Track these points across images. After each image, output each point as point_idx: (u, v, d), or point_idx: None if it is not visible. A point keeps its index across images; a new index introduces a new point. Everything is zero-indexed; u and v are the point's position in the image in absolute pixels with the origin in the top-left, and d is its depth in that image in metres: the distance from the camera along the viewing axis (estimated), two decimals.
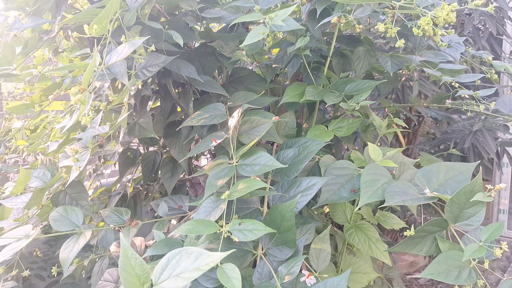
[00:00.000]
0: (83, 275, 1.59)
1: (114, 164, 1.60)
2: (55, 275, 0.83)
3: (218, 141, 0.77)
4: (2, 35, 0.83)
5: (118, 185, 1.21)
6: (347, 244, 1.08)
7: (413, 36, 0.94)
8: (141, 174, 1.25)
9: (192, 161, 1.26)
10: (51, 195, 0.92)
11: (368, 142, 0.80)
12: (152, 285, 0.47)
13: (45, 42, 1.04)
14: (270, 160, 0.70)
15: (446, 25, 0.71)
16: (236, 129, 0.79)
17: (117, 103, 0.82)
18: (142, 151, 1.24)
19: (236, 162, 0.74)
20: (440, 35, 0.63)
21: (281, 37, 0.75)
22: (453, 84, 0.90)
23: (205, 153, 1.34)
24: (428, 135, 2.31)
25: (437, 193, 0.65)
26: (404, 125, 0.91)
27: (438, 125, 2.04)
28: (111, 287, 0.80)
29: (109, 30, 0.68)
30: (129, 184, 1.18)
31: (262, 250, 0.71)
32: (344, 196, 0.76)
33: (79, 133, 1.22)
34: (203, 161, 1.80)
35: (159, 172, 1.16)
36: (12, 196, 0.91)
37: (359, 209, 1.00)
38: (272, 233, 0.67)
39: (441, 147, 2.00)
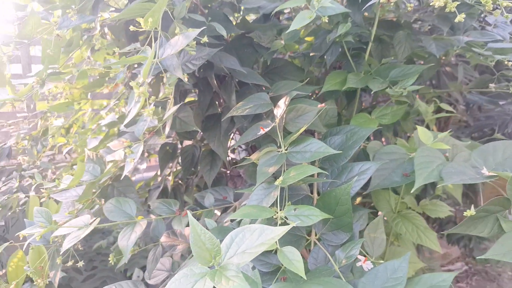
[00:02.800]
0: (122, 269, 1.63)
1: (149, 159, 1.63)
2: (113, 263, 0.85)
3: (266, 130, 0.77)
4: (49, 34, 0.85)
5: (159, 178, 1.23)
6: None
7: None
8: (178, 168, 1.27)
9: (229, 154, 1.27)
10: (100, 189, 0.95)
11: (417, 126, 0.79)
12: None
13: (85, 40, 1.06)
14: (322, 147, 0.69)
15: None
16: (283, 118, 0.79)
17: (162, 97, 0.83)
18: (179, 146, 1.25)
19: (285, 150, 0.74)
20: (505, 6, 0.61)
21: (326, 20, 0.75)
22: (505, 62, 0.88)
23: (241, 146, 1.34)
24: (460, 123, 2.26)
25: (497, 172, 0.64)
26: (452, 110, 0.89)
27: (468, 112, 1.99)
28: (164, 275, 0.82)
29: (159, 23, 0.69)
30: (169, 178, 1.20)
31: (316, 236, 0.71)
32: (396, 181, 0.75)
33: (119, 130, 1.24)
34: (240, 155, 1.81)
35: (198, 165, 1.17)
36: (63, 190, 0.93)
37: (408, 195, 0.99)
38: (325, 218, 0.67)
39: (474, 135, 1.95)
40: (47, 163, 1.56)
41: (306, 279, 0.52)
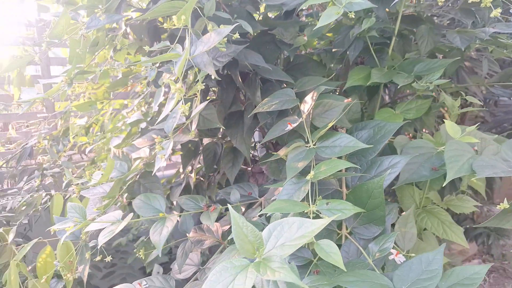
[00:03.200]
0: (148, 266, 1.65)
1: (170, 158, 1.64)
2: (143, 257, 0.86)
3: (294, 125, 0.78)
4: (76, 34, 0.87)
5: (182, 176, 1.24)
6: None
7: (481, 10, 0.92)
8: (200, 165, 1.28)
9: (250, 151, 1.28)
10: (126, 185, 0.96)
11: (444, 120, 0.79)
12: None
13: (109, 39, 1.08)
14: (352, 141, 0.70)
15: None
16: (310, 113, 0.80)
17: (189, 95, 0.84)
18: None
19: (314, 145, 0.75)
20: None
21: (352, 16, 0.75)
22: None
23: (258, 143, 1.35)
24: (476, 119, 2.24)
25: None
26: (480, 103, 0.89)
27: (484, 106, 1.97)
28: (193, 270, 0.83)
29: (189, 21, 0.70)
30: (192, 175, 1.21)
31: (347, 229, 0.71)
32: (424, 175, 0.75)
33: (139, 129, 1.26)
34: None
35: (220, 162, 1.18)
36: (90, 188, 0.95)
37: (432, 191, 0.99)
38: (357, 212, 0.67)
39: (493, 130, 1.93)
40: (68, 163, 1.59)
41: (345, 270, 0.53)
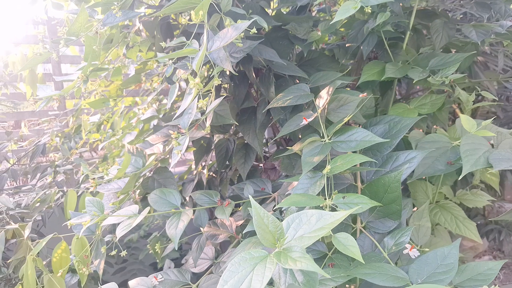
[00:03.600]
0: (160, 261, 1.66)
1: (183, 155, 1.65)
2: (159, 251, 0.87)
3: (309, 120, 0.78)
4: (92, 31, 0.88)
5: (195, 171, 1.25)
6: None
7: (497, 3, 0.91)
8: (212, 161, 1.29)
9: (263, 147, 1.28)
10: (141, 181, 0.97)
11: (459, 114, 0.78)
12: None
13: (122, 37, 1.08)
14: (368, 136, 0.70)
15: None
16: (325, 108, 0.80)
17: (205, 91, 0.85)
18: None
19: (329, 140, 0.75)
20: None
21: (369, 10, 0.75)
22: None
23: (269, 139, 1.35)
24: (487, 114, 2.22)
25: None
26: (495, 98, 0.88)
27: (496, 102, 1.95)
28: (208, 263, 0.84)
29: (205, 16, 0.70)
30: (204, 171, 1.22)
31: (362, 224, 0.72)
32: (440, 169, 0.75)
33: (152, 126, 1.27)
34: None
35: (232, 158, 1.18)
36: (105, 183, 0.96)
37: (445, 186, 0.98)
38: (372, 206, 0.67)
39: (505, 127, 1.91)
40: (80, 159, 1.60)
41: (363, 262, 0.53)
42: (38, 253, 0.99)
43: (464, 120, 0.78)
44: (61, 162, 1.63)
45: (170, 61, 0.81)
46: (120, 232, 0.70)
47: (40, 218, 1.46)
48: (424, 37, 1.05)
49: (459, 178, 0.67)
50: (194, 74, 1.13)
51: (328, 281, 0.62)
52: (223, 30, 0.66)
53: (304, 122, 0.78)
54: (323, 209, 0.66)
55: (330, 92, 0.77)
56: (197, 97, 0.66)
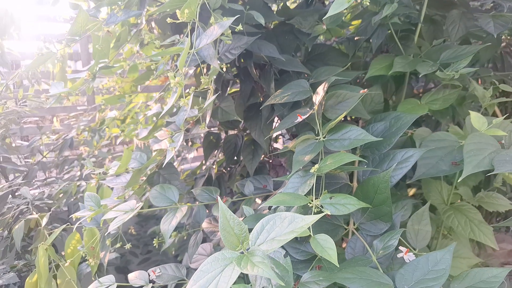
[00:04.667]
0: (173, 253, 1.71)
1: (197, 149, 1.68)
2: (157, 246, 0.89)
3: (304, 117, 0.76)
4: (98, 30, 0.90)
5: (204, 167, 1.26)
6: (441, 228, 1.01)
7: None
8: (222, 157, 1.29)
9: (272, 143, 1.27)
10: (147, 175, 0.99)
11: (470, 111, 0.73)
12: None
13: (133, 35, 1.11)
14: (361, 134, 0.67)
15: None
16: (322, 105, 0.77)
17: (202, 88, 0.85)
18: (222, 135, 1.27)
19: (323, 138, 0.72)
20: None
21: (367, 3, 0.71)
22: None
23: (285, 136, 1.34)
24: None
25: None
26: None
27: None
28: (204, 259, 0.84)
29: (196, 14, 0.69)
30: (214, 167, 1.22)
31: (354, 225, 0.69)
32: (443, 170, 0.70)
33: (166, 120, 1.29)
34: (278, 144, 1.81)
35: (241, 154, 1.18)
36: (113, 176, 0.99)
37: (463, 186, 0.92)
38: (364, 207, 0.64)
39: None
40: (105, 153, 1.66)
41: (338, 266, 0.51)
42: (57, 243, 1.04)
43: (474, 117, 0.72)
44: (87, 155, 1.70)
45: (164, 59, 0.81)
46: (112, 227, 0.71)
47: (66, 208, 1.54)
48: (442, 29, 0.98)
49: (458, 180, 0.63)
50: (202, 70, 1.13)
51: (311, 284, 0.60)
52: (210, 27, 0.66)
53: (299, 119, 0.75)
54: (312, 209, 0.64)
55: (325, 88, 0.74)
56: (178, 95, 0.66)
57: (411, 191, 1.14)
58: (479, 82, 1.23)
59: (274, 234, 0.50)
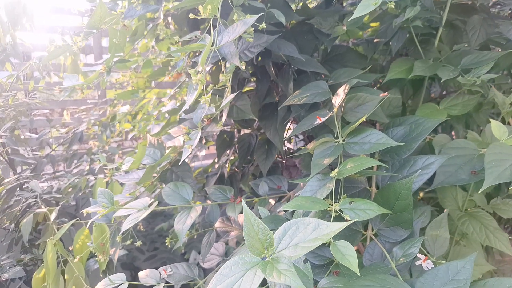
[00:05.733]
0: (182, 251, 1.70)
1: (208, 147, 1.67)
2: (169, 245, 0.88)
3: (323, 119, 0.75)
4: (116, 24, 0.89)
5: (217, 166, 1.25)
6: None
7: None
8: (235, 156, 1.28)
9: (285, 144, 1.26)
10: (160, 172, 0.99)
11: (490, 120, 0.71)
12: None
13: (150, 30, 1.10)
14: (382, 138, 0.66)
15: None
16: (341, 107, 0.76)
17: (220, 85, 0.84)
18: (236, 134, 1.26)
19: (343, 141, 0.71)
20: None
21: (392, 6, 0.70)
22: None
23: (298, 136, 1.33)
24: None
25: None
26: None
27: None
28: (217, 260, 0.84)
29: (218, 10, 0.69)
30: (226, 165, 1.22)
31: (373, 231, 0.68)
32: (462, 178, 0.69)
33: (180, 117, 1.28)
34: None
35: (254, 154, 1.17)
36: (124, 172, 0.98)
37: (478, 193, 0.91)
38: (384, 213, 0.63)
39: None
40: (115, 148, 1.66)
41: (359, 275, 0.50)
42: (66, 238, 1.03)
43: (495, 126, 0.71)
44: (97, 150, 1.70)
45: (185, 55, 0.80)
46: (126, 225, 0.71)
47: (74, 203, 1.54)
48: (461, 34, 0.97)
49: (479, 192, 0.62)
50: (219, 68, 1.12)
51: None
52: (233, 25, 0.65)
53: (318, 121, 0.75)
54: (330, 213, 0.63)
55: (346, 90, 0.73)
56: (199, 92, 0.65)
57: (420, 194, 1.13)
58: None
59: (297, 240, 0.49)
